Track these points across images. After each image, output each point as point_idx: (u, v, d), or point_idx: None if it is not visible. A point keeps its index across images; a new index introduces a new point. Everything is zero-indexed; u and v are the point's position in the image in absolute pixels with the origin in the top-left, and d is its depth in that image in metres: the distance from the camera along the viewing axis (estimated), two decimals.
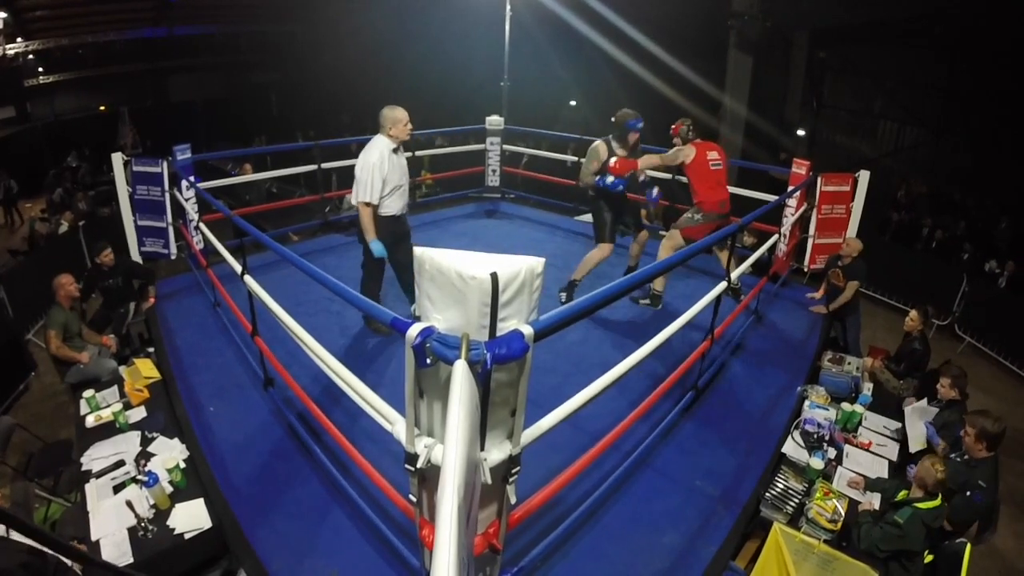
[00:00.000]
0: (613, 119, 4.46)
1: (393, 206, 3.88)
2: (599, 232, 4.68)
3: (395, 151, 3.80)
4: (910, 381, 4.21)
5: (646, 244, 4.99)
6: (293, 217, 6.90)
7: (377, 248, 3.82)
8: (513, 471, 1.75)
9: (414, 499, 1.78)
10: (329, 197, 6.50)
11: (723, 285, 3.48)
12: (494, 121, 6.98)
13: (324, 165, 6.04)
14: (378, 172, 3.69)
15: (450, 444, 1.13)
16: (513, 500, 1.81)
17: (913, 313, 4.32)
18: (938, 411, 3.53)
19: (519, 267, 1.57)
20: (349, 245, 6.09)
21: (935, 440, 3.26)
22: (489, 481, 1.60)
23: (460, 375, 1.34)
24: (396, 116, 3.75)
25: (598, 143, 4.48)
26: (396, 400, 1.96)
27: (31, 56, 14.24)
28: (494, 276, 1.49)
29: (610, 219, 4.59)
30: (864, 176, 5.01)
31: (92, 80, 15.70)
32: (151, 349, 4.21)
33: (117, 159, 5.06)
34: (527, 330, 1.54)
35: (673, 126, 4.62)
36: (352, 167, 6.75)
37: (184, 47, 16.66)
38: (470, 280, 1.51)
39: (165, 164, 5.08)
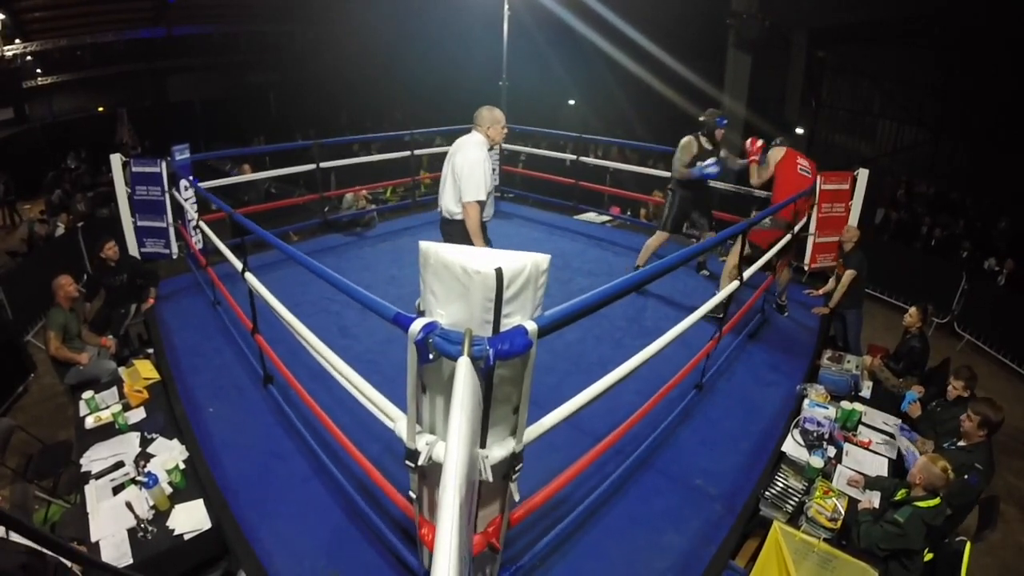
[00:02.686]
0: (702, 118, 4.80)
1: (486, 212, 3.57)
2: (663, 219, 5.05)
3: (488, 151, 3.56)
4: (909, 379, 4.21)
5: (660, 247, 5.12)
6: (292, 217, 6.89)
7: None
8: (516, 468, 1.74)
9: (414, 496, 1.78)
10: (328, 197, 6.50)
11: (735, 284, 3.48)
12: None
13: (323, 164, 6.04)
14: (485, 168, 3.39)
15: (452, 441, 1.13)
16: (516, 498, 1.80)
17: (912, 309, 4.31)
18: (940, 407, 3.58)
19: (524, 263, 1.57)
20: (348, 245, 6.09)
21: (910, 458, 3.25)
22: (491, 479, 1.60)
23: (463, 371, 1.34)
24: (496, 116, 3.52)
25: (688, 138, 4.79)
26: (397, 398, 1.97)
27: (29, 57, 14.22)
28: (499, 271, 1.49)
29: (675, 211, 4.94)
30: (863, 174, 5.01)
31: (91, 81, 15.66)
32: (150, 350, 4.21)
33: (116, 160, 5.05)
34: (531, 326, 1.53)
35: (749, 143, 4.84)
36: (352, 167, 6.85)
37: (183, 47, 16.62)
38: (474, 275, 1.50)
39: (164, 164, 5.08)
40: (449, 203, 3.54)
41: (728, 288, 3.44)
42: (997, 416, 3.06)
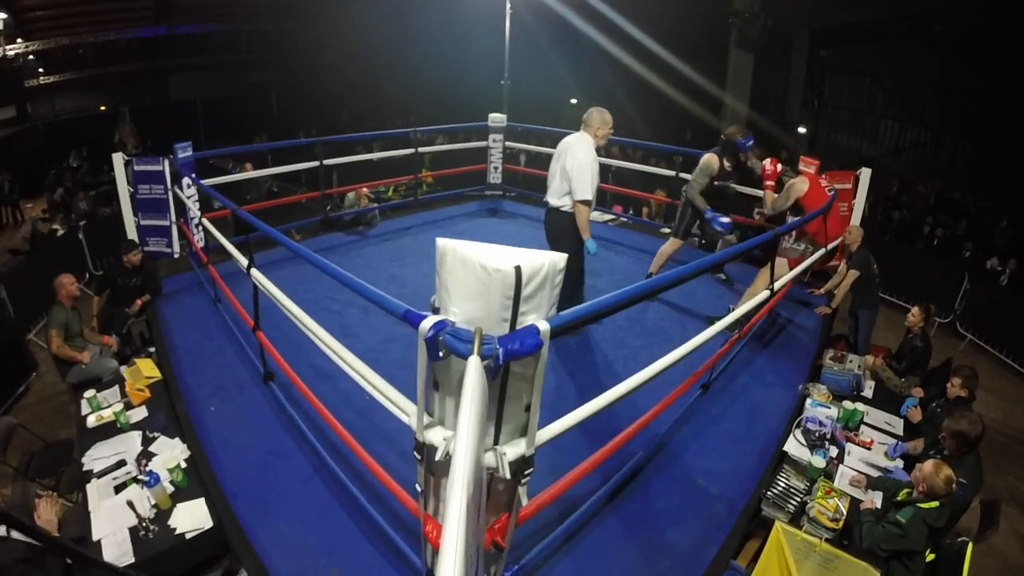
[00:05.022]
0: (723, 135, 4.58)
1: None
2: (676, 227, 4.99)
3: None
4: (912, 379, 4.20)
5: (675, 254, 5.07)
6: (294, 215, 6.89)
7: (593, 246, 3.81)
8: (526, 472, 1.73)
9: (420, 489, 1.78)
10: (330, 195, 6.49)
11: (766, 294, 3.47)
12: (497, 118, 6.97)
13: (326, 162, 6.04)
14: (593, 169, 3.67)
15: (461, 439, 1.12)
16: (524, 502, 1.80)
17: (915, 309, 4.30)
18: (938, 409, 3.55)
19: (542, 262, 1.57)
20: (350, 243, 6.09)
21: (893, 454, 3.25)
22: (508, 475, 1.59)
23: (472, 370, 1.33)
24: (606, 119, 3.76)
25: (710, 156, 4.59)
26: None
27: (31, 56, 14.22)
28: (518, 269, 1.48)
29: (688, 220, 4.84)
30: (865, 174, 5.00)
31: (92, 80, 15.66)
32: (152, 348, 4.20)
33: (118, 159, 5.06)
34: (543, 326, 1.52)
35: (769, 163, 4.57)
36: (354, 165, 6.84)
37: (184, 46, 16.61)
38: (494, 272, 1.50)
39: (166, 163, 5.08)
40: (553, 196, 3.89)
41: (755, 299, 3.42)
42: (974, 431, 2.95)
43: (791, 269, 4.22)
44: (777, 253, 4.51)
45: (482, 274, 1.52)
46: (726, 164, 4.62)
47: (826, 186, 4.53)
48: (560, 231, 3.90)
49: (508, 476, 1.59)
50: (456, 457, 1.07)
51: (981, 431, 2.99)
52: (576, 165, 3.65)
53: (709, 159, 4.62)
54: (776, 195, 4.65)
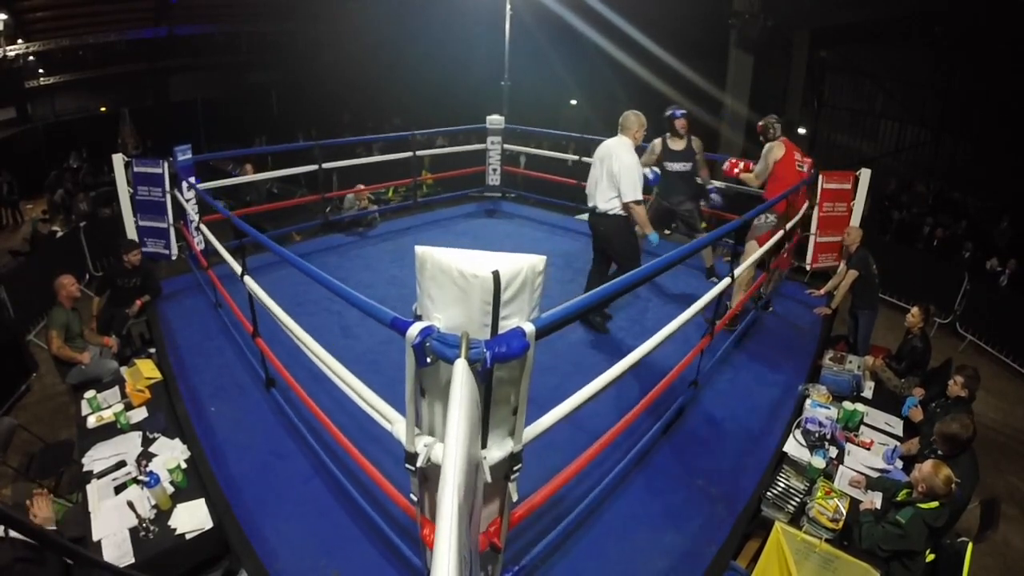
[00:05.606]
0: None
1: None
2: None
3: None
4: (911, 380, 4.20)
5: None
6: (294, 217, 6.90)
7: (656, 238, 3.99)
8: (515, 469, 1.75)
9: (415, 498, 1.78)
10: (330, 197, 6.50)
11: (727, 281, 3.48)
12: (495, 120, 6.98)
13: (325, 165, 6.04)
14: (639, 170, 3.89)
15: (450, 443, 1.13)
16: (515, 498, 1.80)
17: (914, 310, 4.30)
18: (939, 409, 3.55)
19: (520, 265, 1.57)
20: (350, 244, 6.10)
21: (890, 460, 3.26)
22: (490, 479, 1.59)
23: (460, 374, 1.34)
24: (642, 120, 3.98)
25: (655, 140, 4.82)
26: (397, 399, 1.97)
27: (32, 57, 14.24)
28: (496, 274, 1.48)
29: (651, 211, 4.76)
30: (865, 174, 5.01)
31: (93, 81, 15.67)
32: (152, 349, 4.21)
33: (118, 160, 5.06)
34: (528, 328, 1.53)
35: (759, 124, 4.68)
36: (354, 167, 6.85)
37: (184, 47, 16.63)
38: (472, 278, 1.50)
39: (166, 165, 5.08)
40: (601, 200, 4.01)
41: (718, 287, 3.42)
42: (965, 433, 2.96)
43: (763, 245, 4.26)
44: (746, 238, 4.55)
45: (461, 280, 1.52)
46: (669, 143, 4.72)
47: (798, 161, 4.52)
48: (611, 233, 4.08)
49: (490, 480, 1.59)
50: (447, 462, 1.07)
51: (972, 433, 2.99)
52: (623, 168, 3.83)
53: (653, 142, 4.79)
54: (752, 174, 4.71)
